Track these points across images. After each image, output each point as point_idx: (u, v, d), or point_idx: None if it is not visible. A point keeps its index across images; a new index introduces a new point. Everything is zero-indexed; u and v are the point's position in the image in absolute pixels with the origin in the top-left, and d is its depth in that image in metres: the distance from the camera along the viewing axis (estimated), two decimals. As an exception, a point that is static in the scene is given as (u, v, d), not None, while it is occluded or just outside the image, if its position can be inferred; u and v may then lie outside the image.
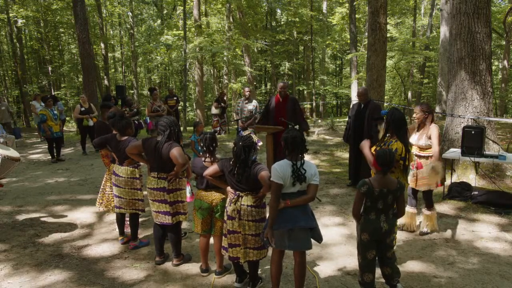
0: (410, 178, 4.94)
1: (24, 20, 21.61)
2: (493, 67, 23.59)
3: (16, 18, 20.56)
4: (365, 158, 4.10)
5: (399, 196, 3.39)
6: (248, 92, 9.49)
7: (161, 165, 4.08)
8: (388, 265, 3.47)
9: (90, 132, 10.76)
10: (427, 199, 5.04)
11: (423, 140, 4.87)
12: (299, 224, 3.24)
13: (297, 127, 6.51)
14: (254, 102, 9.44)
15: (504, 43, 22.45)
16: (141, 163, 4.56)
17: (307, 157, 8.00)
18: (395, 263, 3.54)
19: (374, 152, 3.57)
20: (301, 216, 3.26)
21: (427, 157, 4.90)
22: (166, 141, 4.01)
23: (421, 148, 4.94)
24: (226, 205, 3.66)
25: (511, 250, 4.57)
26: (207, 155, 3.90)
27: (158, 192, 4.12)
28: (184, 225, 5.21)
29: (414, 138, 4.96)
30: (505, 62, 22.14)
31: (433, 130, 4.84)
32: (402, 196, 3.44)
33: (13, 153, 5.03)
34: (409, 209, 5.07)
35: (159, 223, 4.21)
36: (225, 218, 3.62)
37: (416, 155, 4.97)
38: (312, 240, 3.38)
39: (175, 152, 3.92)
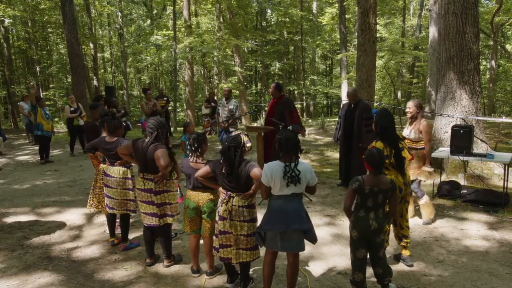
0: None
1: (11, 20, 21.31)
2: (481, 67, 23.85)
3: (3, 18, 20.25)
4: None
5: (390, 196, 3.40)
6: (226, 92, 9.35)
7: (147, 166, 4.06)
8: (380, 265, 3.47)
9: (79, 133, 10.71)
10: (416, 189, 5.35)
11: (413, 133, 5.23)
12: (292, 226, 3.22)
13: (290, 127, 6.51)
14: (234, 102, 9.32)
15: (491, 43, 22.77)
16: (133, 164, 4.53)
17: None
18: (387, 263, 3.56)
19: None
20: (294, 218, 3.24)
21: (417, 149, 5.24)
22: (152, 142, 4.00)
23: (412, 141, 5.26)
24: (218, 205, 3.64)
25: (500, 248, 4.63)
26: (192, 154, 3.90)
27: (145, 193, 4.10)
28: (175, 226, 5.18)
29: (406, 132, 5.33)
30: (493, 62, 22.47)
31: (424, 125, 5.16)
32: (394, 196, 3.44)
33: None
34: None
35: (146, 224, 4.19)
36: (217, 218, 3.61)
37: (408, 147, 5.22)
38: (306, 241, 3.37)
39: (159, 153, 3.91)
